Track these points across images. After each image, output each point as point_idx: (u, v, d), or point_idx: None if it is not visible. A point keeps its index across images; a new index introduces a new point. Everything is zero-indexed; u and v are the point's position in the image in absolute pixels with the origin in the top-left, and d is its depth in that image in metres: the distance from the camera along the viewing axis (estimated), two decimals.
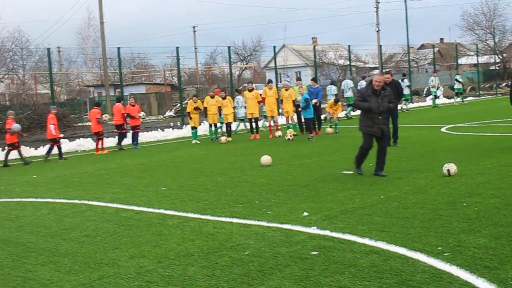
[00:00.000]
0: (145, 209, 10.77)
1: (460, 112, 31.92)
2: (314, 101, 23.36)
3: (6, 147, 21.14)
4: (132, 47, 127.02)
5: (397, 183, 11.52)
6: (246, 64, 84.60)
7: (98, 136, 23.20)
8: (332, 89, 32.18)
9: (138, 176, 15.31)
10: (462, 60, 76.90)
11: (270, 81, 25.82)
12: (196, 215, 9.86)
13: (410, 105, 38.11)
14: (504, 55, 74.34)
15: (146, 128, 32.51)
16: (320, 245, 7.52)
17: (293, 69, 78.40)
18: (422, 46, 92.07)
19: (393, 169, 13.12)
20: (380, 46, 52.69)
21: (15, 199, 13.09)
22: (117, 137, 24.38)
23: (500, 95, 51.65)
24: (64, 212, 11.04)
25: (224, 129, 25.09)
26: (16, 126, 21.02)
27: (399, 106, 35.69)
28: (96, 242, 8.61)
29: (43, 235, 9.31)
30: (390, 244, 7.37)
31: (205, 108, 24.32)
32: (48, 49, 30.36)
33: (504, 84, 59.08)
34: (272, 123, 24.74)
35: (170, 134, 28.78)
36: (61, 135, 23.84)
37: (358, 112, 13.52)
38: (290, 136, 22.08)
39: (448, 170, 11.89)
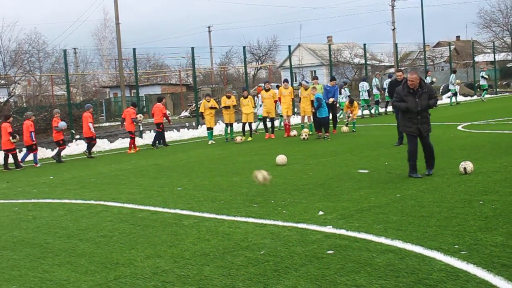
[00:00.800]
0: (160, 209, 10.80)
1: (477, 110, 31.73)
2: (330, 100, 23.31)
3: (57, 146, 21.80)
4: (147, 48, 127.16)
5: (413, 182, 11.47)
6: (261, 63, 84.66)
7: (131, 135, 23.64)
8: (364, 85, 32.43)
9: (153, 176, 15.35)
10: (478, 58, 76.45)
11: (286, 81, 25.81)
12: (211, 215, 9.88)
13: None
14: None
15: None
16: (336, 244, 7.51)
17: (308, 68, 78.40)
18: (438, 44, 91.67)
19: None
20: (395, 45, 52.54)
21: (32, 200, 13.18)
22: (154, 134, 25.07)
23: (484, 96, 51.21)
24: (81, 213, 11.09)
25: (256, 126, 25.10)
26: (62, 124, 21.68)
27: None
28: (112, 242, 8.64)
29: (60, 236, 9.36)
30: (406, 242, 7.34)
31: (225, 107, 24.32)
32: (65, 51, 30.49)
33: None
34: (287, 122, 24.71)
35: (186, 134, 28.84)
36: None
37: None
38: (305, 135, 22.04)
39: (465, 168, 11.82)
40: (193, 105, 44.36)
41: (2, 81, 42.01)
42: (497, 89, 53.09)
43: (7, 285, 7.05)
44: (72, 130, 28.37)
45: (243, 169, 15.15)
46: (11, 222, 10.92)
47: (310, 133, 23.59)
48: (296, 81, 58.34)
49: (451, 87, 39.75)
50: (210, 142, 24.09)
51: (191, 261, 7.30)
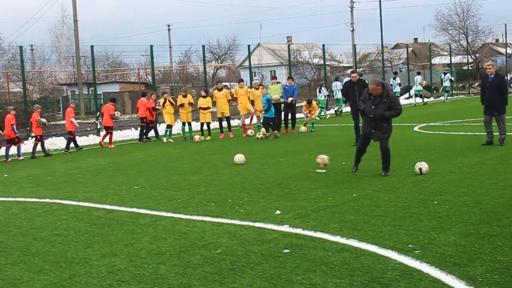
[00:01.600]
0: (117, 208, 10.72)
1: (433, 112, 32.19)
2: (290, 99, 23.43)
3: (34, 140, 22.20)
4: (106, 46, 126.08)
5: (369, 182, 11.59)
6: (221, 63, 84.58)
7: (109, 130, 24.08)
8: (337, 85, 33.21)
9: (110, 175, 15.23)
10: (435, 60, 77.46)
11: (241, 80, 25.85)
12: (168, 214, 9.84)
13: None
14: (477, 55, 75.07)
15: (120, 127, 32.33)
16: (292, 243, 7.55)
17: (268, 68, 78.57)
18: (396, 46, 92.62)
19: (365, 167, 13.19)
20: (354, 46, 52.90)
21: None
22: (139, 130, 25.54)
23: (472, 94, 52.21)
24: (36, 212, 10.95)
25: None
26: (43, 120, 22.36)
27: None
28: (68, 241, 8.55)
29: (14, 235, 9.23)
30: (362, 242, 7.42)
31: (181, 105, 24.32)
32: (21, 47, 29.98)
33: (476, 84, 59.60)
34: (246, 122, 24.75)
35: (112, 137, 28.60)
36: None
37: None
38: (261, 135, 22.12)
39: (420, 169, 12.00)
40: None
41: None
42: (453, 91, 53.85)
43: None
44: (27, 127, 27.94)
45: (201, 168, 15.13)
46: None
47: (268, 134, 23.69)
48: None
49: (418, 87, 41.27)
50: (165, 139, 24.02)
51: (147, 260, 7.27)
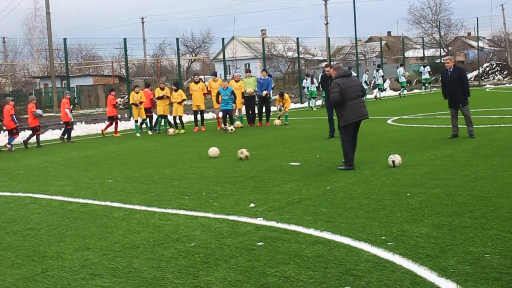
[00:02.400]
0: (90, 201, 10.66)
1: (406, 105, 32.40)
2: (264, 92, 23.48)
3: (30, 131, 22.55)
4: (79, 38, 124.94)
5: (343, 174, 11.65)
6: (195, 56, 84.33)
7: (114, 120, 24.61)
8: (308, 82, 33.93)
9: (84, 168, 15.14)
10: (409, 53, 78.06)
11: (215, 74, 25.77)
12: (142, 207, 9.81)
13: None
14: (450, 48, 75.69)
15: (93, 120, 32.15)
16: (266, 236, 7.57)
17: (242, 61, 78.55)
18: (370, 39, 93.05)
19: (339, 160, 13.23)
20: (328, 39, 53.05)
21: None
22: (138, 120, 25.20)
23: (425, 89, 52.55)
24: (8, 205, 10.85)
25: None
26: (39, 111, 22.79)
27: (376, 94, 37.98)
28: (40, 235, 8.49)
29: None
30: (335, 234, 7.45)
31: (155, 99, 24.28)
32: None
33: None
34: (220, 115, 24.72)
35: (118, 125, 28.46)
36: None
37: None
38: (232, 127, 22.18)
39: (393, 161, 12.08)
40: (126, 97, 43.84)
41: None
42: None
43: None
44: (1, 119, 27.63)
45: (175, 162, 15.10)
46: None
47: (241, 125, 23.79)
48: (229, 74, 58.36)
49: (401, 79, 42.54)
50: (138, 134, 23.90)
51: (121, 254, 7.24)
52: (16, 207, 10.63)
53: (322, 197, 9.69)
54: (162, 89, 24.49)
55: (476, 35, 63.72)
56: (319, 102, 35.40)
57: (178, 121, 24.26)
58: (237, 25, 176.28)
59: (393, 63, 71.52)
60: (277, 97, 25.05)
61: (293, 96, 40.35)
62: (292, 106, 33.70)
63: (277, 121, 24.18)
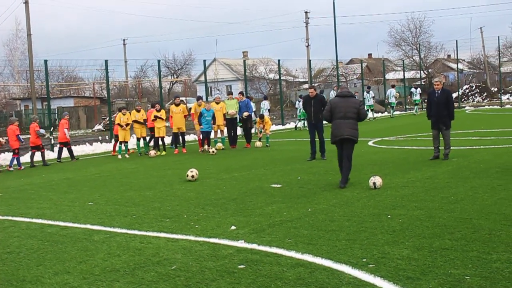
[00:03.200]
0: (71, 224, 10.58)
1: (387, 126, 32.58)
2: (245, 114, 23.57)
3: (31, 150, 23.20)
4: (61, 60, 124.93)
5: (324, 196, 11.66)
6: (177, 77, 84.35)
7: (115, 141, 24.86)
8: (265, 105, 33.24)
9: (64, 191, 15.04)
10: (389, 75, 78.54)
11: (200, 98, 25.78)
12: (123, 230, 9.75)
13: None
14: (430, 70, 76.21)
15: (74, 142, 31.97)
16: (247, 259, 7.54)
17: (224, 83, 78.70)
18: (351, 61, 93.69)
19: (320, 182, 13.28)
20: (309, 61, 53.35)
21: None
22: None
23: (425, 109, 52.95)
24: None
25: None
26: (42, 131, 23.63)
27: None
28: (19, 258, 8.40)
29: None
30: (316, 256, 7.45)
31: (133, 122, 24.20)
32: None
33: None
34: (201, 137, 24.71)
35: (98, 148, 28.38)
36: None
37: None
38: (213, 149, 22.23)
39: (374, 183, 12.12)
40: (107, 119, 43.79)
41: None
42: (406, 106, 54.61)
43: None
44: None
45: (156, 184, 15.04)
46: None
47: (223, 147, 23.83)
48: (211, 95, 58.44)
49: (392, 100, 43.54)
50: (120, 156, 23.76)
51: (101, 277, 7.18)
52: None
53: (303, 219, 9.69)
54: (138, 111, 24.44)
55: (456, 57, 64.14)
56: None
57: (160, 142, 24.19)
58: (219, 47, 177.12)
59: (374, 84, 71.92)
60: (257, 119, 25.11)
61: (274, 117, 40.45)
62: (274, 127, 33.83)
63: (258, 143, 24.20)
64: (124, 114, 24.19)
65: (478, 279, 6.29)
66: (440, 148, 16.23)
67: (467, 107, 51.77)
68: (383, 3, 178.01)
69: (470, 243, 7.66)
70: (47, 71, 30.78)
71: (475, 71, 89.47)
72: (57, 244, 9.14)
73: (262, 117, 24.73)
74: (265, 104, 32.92)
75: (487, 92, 65.11)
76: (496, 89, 65.96)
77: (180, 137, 24.65)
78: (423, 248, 7.52)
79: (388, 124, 34.33)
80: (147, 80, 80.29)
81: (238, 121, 24.88)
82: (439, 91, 16.12)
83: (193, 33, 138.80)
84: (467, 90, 66.26)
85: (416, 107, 45.39)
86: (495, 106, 50.87)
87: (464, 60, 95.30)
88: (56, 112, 51.57)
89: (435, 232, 8.31)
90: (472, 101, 63.02)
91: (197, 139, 26.10)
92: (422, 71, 65.89)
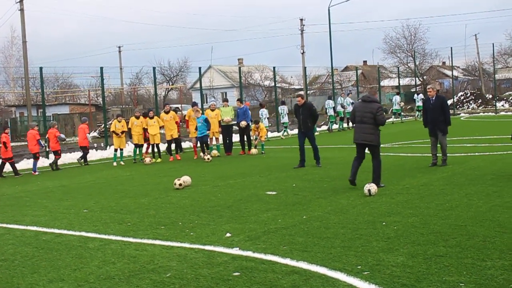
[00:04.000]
0: (65, 231, 10.57)
1: (382, 133, 32.50)
2: (243, 123, 23.59)
3: (54, 155, 23.80)
4: (56, 67, 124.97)
5: (319, 203, 11.67)
6: (172, 84, 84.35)
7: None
8: (284, 109, 34.01)
9: (59, 198, 15.02)
10: (384, 82, 78.66)
11: (195, 104, 25.80)
12: (118, 238, 9.74)
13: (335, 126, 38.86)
14: (425, 77, 76.39)
15: (69, 149, 31.95)
16: (242, 266, 7.54)
17: (219, 90, 78.80)
18: (346, 68, 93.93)
19: (315, 189, 13.29)
20: (305, 68, 53.42)
21: None
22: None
23: (420, 116, 53.11)
24: None
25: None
26: (62, 136, 24.18)
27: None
28: (14, 266, 8.39)
29: None
30: (311, 264, 7.45)
31: (129, 129, 24.16)
32: None
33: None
34: (197, 144, 24.72)
35: (94, 155, 28.32)
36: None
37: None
38: (209, 157, 22.23)
39: (369, 190, 12.14)
40: (102, 126, 43.74)
41: None
42: (402, 113, 54.71)
43: None
44: None
45: (152, 191, 15.03)
46: None
47: (218, 154, 23.84)
48: (206, 102, 58.45)
49: (396, 107, 45.13)
50: (115, 163, 23.71)
51: (96, 285, 7.17)
52: None
53: (298, 227, 9.69)
54: (137, 117, 24.37)
55: (451, 64, 64.39)
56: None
57: (155, 149, 24.18)
58: (214, 54, 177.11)
59: (368, 91, 72.01)
60: (252, 126, 25.12)
61: (270, 124, 40.47)
62: (269, 134, 33.88)
63: (253, 150, 24.21)
64: (119, 122, 24.14)
65: (472, 286, 6.30)
66: (438, 155, 16.29)
67: (462, 114, 51.88)
68: (378, 10, 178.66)
69: (465, 250, 7.67)
70: (42, 78, 30.82)
71: (470, 78, 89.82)
72: (51, 251, 9.13)
73: (257, 123, 24.76)
74: (264, 113, 32.93)
75: (482, 99, 65.29)
76: (491, 96, 66.18)
77: (174, 144, 24.64)
78: (417, 255, 7.53)
79: (383, 131, 34.29)
80: (142, 87, 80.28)
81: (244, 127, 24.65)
82: (433, 98, 16.23)
83: (189, 41, 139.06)
84: (462, 97, 66.44)
85: (418, 113, 45.60)
86: (490, 113, 51.03)
87: (459, 67, 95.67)
88: (52, 119, 51.49)
89: (430, 239, 8.32)
90: (467, 108, 63.15)
91: (192, 146, 26.09)
92: (417, 78, 66.04)
